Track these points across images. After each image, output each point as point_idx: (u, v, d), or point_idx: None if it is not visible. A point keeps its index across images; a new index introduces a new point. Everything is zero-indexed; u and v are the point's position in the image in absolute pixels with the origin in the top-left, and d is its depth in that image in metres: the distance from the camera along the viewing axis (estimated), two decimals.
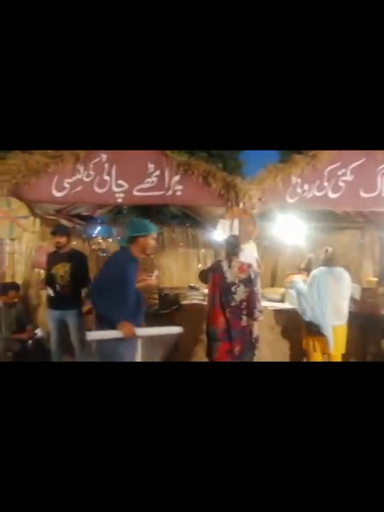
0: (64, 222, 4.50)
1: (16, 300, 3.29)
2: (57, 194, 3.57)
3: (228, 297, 2.66)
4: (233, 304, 2.67)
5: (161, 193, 3.60)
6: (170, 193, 3.60)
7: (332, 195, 3.58)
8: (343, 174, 3.59)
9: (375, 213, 4.24)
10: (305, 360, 3.27)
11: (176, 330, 2.17)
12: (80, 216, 5.22)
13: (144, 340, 2.23)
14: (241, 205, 3.53)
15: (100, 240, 5.74)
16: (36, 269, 4.00)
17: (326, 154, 3.48)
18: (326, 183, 3.57)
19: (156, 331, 2.14)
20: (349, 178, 3.58)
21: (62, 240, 3.14)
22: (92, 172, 3.58)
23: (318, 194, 3.58)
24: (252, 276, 2.73)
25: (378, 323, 3.56)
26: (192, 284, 4.46)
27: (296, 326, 3.25)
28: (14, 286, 3.31)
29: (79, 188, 3.58)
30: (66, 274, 3.11)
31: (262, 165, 3.67)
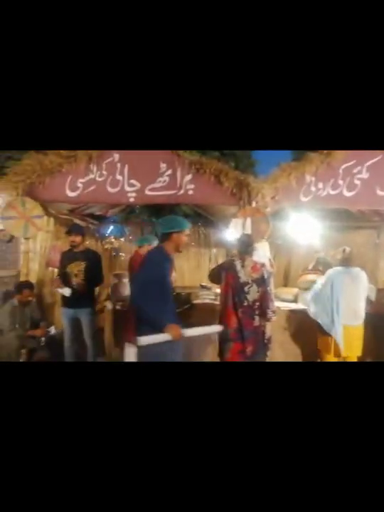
0: (77, 221, 4.55)
1: (30, 298, 3.34)
2: (71, 194, 3.61)
3: (241, 297, 2.64)
4: (246, 303, 2.64)
5: (172, 192, 3.61)
6: (182, 192, 3.60)
7: (347, 194, 3.51)
8: (359, 172, 3.51)
9: None
10: (318, 361, 3.22)
11: (217, 328, 2.15)
12: (92, 216, 5.27)
13: (185, 341, 2.15)
14: (254, 203, 3.49)
15: (113, 240, 5.79)
16: (50, 268, 4.06)
17: (341, 152, 3.42)
18: (340, 181, 3.51)
19: (200, 331, 2.09)
20: (365, 175, 3.51)
21: (77, 239, 3.18)
22: (104, 172, 3.61)
23: (332, 192, 3.52)
24: (265, 276, 2.70)
25: None
26: (203, 284, 4.44)
27: (310, 327, 3.19)
28: (28, 284, 3.37)
29: (92, 188, 3.61)
30: (80, 273, 3.15)
31: (275, 164, 3.63)
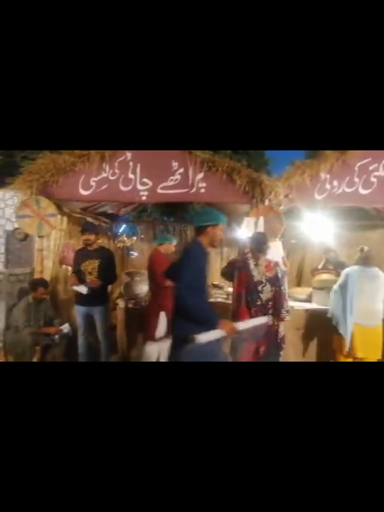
0: (90, 220, 4.59)
1: (44, 296, 3.38)
2: (84, 192, 3.64)
3: (254, 296, 2.61)
4: (259, 303, 2.61)
5: (184, 190, 3.60)
6: (194, 190, 3.58)
7: (363, 191, 3.44)
8: (375, 169, 3.43)
9: None
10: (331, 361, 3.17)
11: (265, 320, 2.12)
12: (105, 214, 5.31)
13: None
14: (267, 202, 3.45)
15: (125, 238, 5.82)
16: (63, 266, 4.11)
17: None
18: (356, 179, 3.43)
19: (250, 323, 2.05)
20: (381, 173, 3.43)
21: (91, 237, 3.21)
22: (117, 170, 3.62)
23: (348, 190, 3.45)
24: (280, 275, 2.66)
25: None
26: (215, 282, 4.42)
27: (323, 327, 3.14)
28: (43, 282, 3.41)
29: (104, 187, 3.63)
30: (94, 271, 3.17)
31: (288, 162, 3.58)
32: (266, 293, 2.62)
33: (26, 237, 3.78)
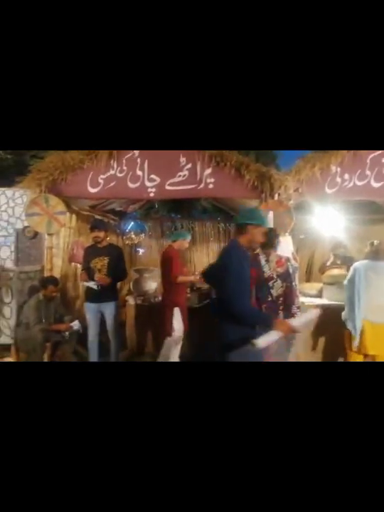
0: (99, 217, 4.61)
1: (54, 294, 3.40)
2: (92, 190, 3.65)
3: (265, 292, 2.58)
4: (270, 299, 2.58)
5: (193, 186, 3.57)
6: (202, 186, 3.56)
7: (375, 185, 3.37)
8: None
9: None
10: (341, 359, 3.13)
11: (317, 313, 2.03)
12: (113, 212, 5.32)
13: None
14: (276, 196, 3.41)
15: (133, 236, 5.83)
16: (73, 263, 4.13)
17: None
18: (368, 172, 3.36)
19: (303, 318, 1.97)
20: None
21: (101, 234, 3.21)
22: (125, 167, 3.62)
23: (359, 184, 3.38)
24: (290, 271, 2.63)
25: None
26: None
27: (334, 322, 3.10)
28: (53, 280, 3.43)
29: (112, 184, 3.63)
30: (104, 268, 3.18)
31: (296, 156, 3.52)
32: (276, 289, 2.59)
33: (36, 235, 3.81)
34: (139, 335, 3.94)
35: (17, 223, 3.81)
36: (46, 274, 3.62)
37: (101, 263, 3.19)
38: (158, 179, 3.60)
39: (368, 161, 3.35)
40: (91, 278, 3.17)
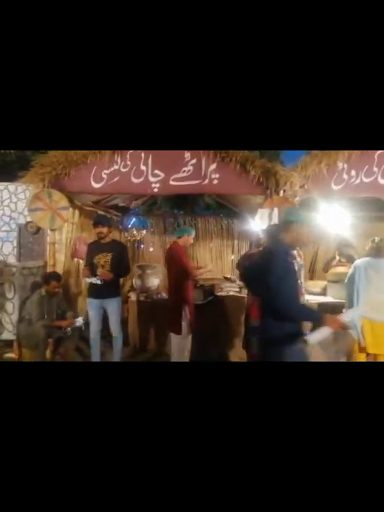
0: (101, 213, 4.58)
1: (57, 290, 3.38)
2: (96, 185, 3.62)
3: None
4: None
5: (197, 182, 3.54)
6: (206, 181, 3.52)
7: (382, 181, 3.32)
8: None
9: None
10: (344, 359, 3.09)
11: (363, 309, 2.01)
12: (116, 207, 5.29)
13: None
14: (281, 193, 3.37)
15: (135, 232, 5.81)
16: (75, 259, 4.11)
17: None
18: (375, 168, 3.32)
19: (351, 313, 1.96)
20: None
21: (104, 230, 3.18)
22: (128, 162, 3.58)
23: (366, 180, 3.34)
24: (296, 268, 2.59)
25: None
26: (227, 276, 4.37)
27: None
28: (56, 276, 3.41)
29: (116, 179, 3.60)
30: (107, 264, 3.15)
31: (302, 152, 3.48)
32: None
33: (38, 230, 3.78)
34: (142, 331, 3.93)
35: (20, 218, 3.78)
36: (49, 269, 3.60)
37: (104, 259, 3.17)
38: (162, 174, 3.56)
39: (376, 157, 3.30)
40: (94, 274, 3.14)
